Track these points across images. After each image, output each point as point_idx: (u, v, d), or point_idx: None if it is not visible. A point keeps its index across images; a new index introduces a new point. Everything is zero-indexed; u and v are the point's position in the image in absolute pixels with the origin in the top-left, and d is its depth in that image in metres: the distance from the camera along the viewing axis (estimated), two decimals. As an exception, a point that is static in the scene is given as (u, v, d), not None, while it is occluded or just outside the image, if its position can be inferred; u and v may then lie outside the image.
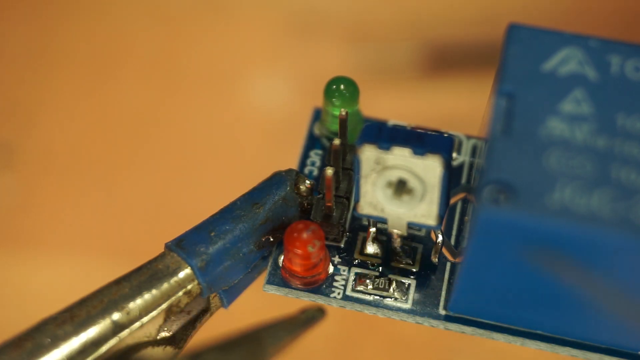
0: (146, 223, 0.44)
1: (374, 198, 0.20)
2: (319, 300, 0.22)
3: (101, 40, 0.49)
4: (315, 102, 0.25)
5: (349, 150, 0.23)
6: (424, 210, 0.20)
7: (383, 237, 0.23)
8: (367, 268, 0.22)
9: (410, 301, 0.22)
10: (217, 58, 0.49)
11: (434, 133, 0.20)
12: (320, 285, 0.22)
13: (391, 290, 0.22)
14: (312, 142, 0.24)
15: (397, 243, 0.22)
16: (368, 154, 0.20)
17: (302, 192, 0.22)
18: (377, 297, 0.22)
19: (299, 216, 0.23)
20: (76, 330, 0.20)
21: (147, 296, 0.21)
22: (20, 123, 0.47)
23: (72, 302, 0.20)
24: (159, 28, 0.49)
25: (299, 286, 0.22)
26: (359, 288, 0.22)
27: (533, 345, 0.21)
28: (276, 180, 0.22)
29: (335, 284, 0.22)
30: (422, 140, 0.20)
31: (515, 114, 0.19)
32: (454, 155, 0.24)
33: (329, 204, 0.22)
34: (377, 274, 0.22)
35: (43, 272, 0.43)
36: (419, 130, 0.21)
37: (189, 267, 0.21)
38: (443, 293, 0.22)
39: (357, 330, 0.42)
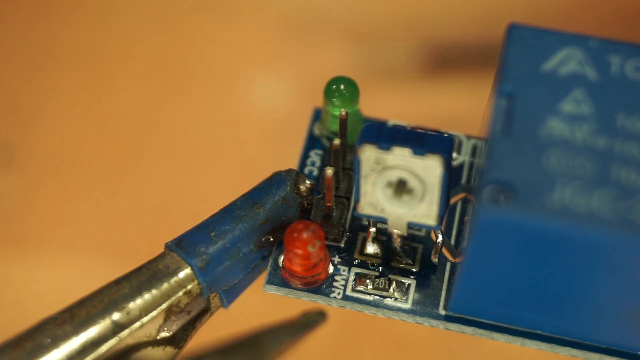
0: (146, 223, 0.44)
1: (374, 198, 0.20)
2: (319, 300, 0.22)
3: (101, 40, 0.49)
4: (315, 102, 0.25)
5: (349, 150, 0.23)
6: (424, 210, 0.20)
7: (383, 237, 0.23)
8: (367, 268, 0.22)
9: (410, 301, 0.22)
10: (217, 58, 0.49)
11: (434, 133, 0.20)
12: (320, 285, 0.22)
13: (391, 290, 0.22)
14: (312, 142, 0.24)
15: (397, 243, 0.22)
16: (368, 154, 0.20)
17: (302, 192, 0.22)
18: (377, 297, 0.22)
19: (299, 216, 0.23)
20: (76, 330, 0.20)
21: (147, 296, 0.21)
22: (20, 123, 0.47)
23: (72, 302, 0.20)
24: (159, 28, 0.49)
25: (299, 286, 0.22)
26: (359, 288, 0.22)
27: (533, 345, 0.21)
28: (276, 180, 0.22)
29: (335, 284, 0.22)
30: (422, 140, 0.20)
31: (515, 114, 0.19)
32: (454, 155, 0.24)
33: (329, 204, 0.22)
34: (377, 274, 0.22)
35: (43, 272, 0.43)
36: (419, 130, 0.21)
37: (189, 267, 0.21)
38: (443, 293, 0.22)
39: (357, 330, 0.42)
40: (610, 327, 0.21)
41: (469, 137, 0.24)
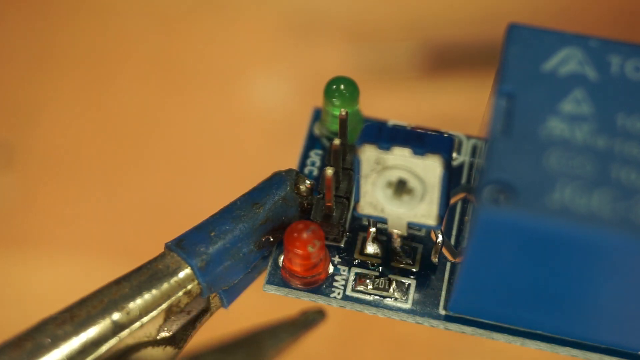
0: (146, 223, 0.44)
1: (374, 198, 0.20)
2: (319, 300, 0.22)
3: (101, 40, 0.49)
4: (315, 102, 0.25)
5: (349, 150, 0.23)
6: (424, 210, 0.20)
7: (383, 237, 0.23)
8: (367, 268, 0.22)
9: (410, 301, 0.22)
10: (217, 58, 0.49)
11: (434, 133, 0.20)
12: (320, 285, 0.22)
13: (391, 290, 0.22)
14: (312, 142, 0.24)
15: (397, 243, 0.22)
16: (368, 154, 0.20)
17: (302, 192, 0.22)
18: (377, 297, 0.22)
19: (299, 216, 0.23)
20: (76, 330, 0.20)
21: (147, 296, 0.21)
22: (20, 123, 0.47)
23: (72, 302, 0.20)
24: (159, 28, 0.49)
25: (299, 286, 0.22)
26: (359, 288, 0.22)
27: (533, 345, 0.21)
28: (276, 180, 0.22)
29: (335, 284, 0.22)
30: (422, 140, 0.20)
31: (515, 114, 0.19)
32: (454, 155, 0.24)
33: (329, 204, 0.22)
34: (377, 274, 0.22)
35: (43, 272, 0.43)
36: (419, 130, 0.21)
37: (189, 267, 0.21)
38: (443, 293, 0.22)
39: (357, 330, 0.42)
40: (610, 327, 0.21)
41: (469, 137, 0.24)
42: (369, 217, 0.21)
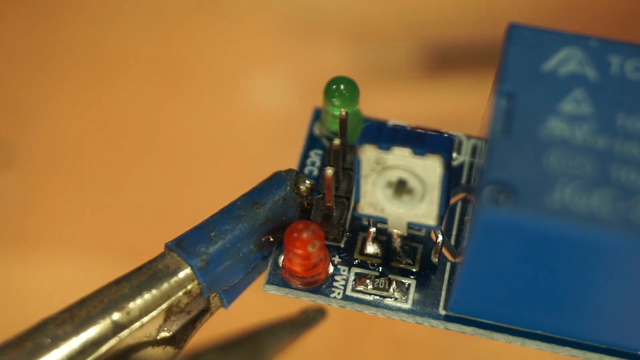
0: (146, 223, 0.44)
1: (374, 198, 0.20)
2: (319, 300, 0.22)
3: (101, 41, 0.49)
4: (315, 102, 0.25)
5: (349, 150, 0.23)
6: (424, 210, 0.20)
7: (383, 237, 0.23)
8: (367, 268, 0.22)
9: (410, 301, 0.22)
10: (217, 58, 0.49)
11: (434, 133, 0.20)
12: (320, 285, 0.22)
13: (391, 290, 0.22)
14: (312, 142, 0.24)
15: (397, 243, 0.22)
16: (368, 154, 0.20)
17: (302, 192, 0.22)
18: (377, 297, 0.22)
19: (299, 216, 0.23)
20: (76, 330, 0.20)
21: (147, 296, 0.21)
22: (20, 123, 0.47)
23: (72, 302, 0.20)
24: (159, 28, 0.49)
25: (299, 286, 0.22)
26: (359, 288, 0.22)
27: (533, 345, 0.21)
28: (276, 180, 0.22)
29: (335, 284, 0.22)
30: (422, 140, 0.20)
31: (515, 114, 0.19)
32: (454, 155, 0.24)
33: (329, 204, 0.22)
34: (377, 274, 0.22)
35: (43, 272, 0.43)
36: (419, 130, 0.21)
37: (189, 267, 0.21)
38: (443, 293, 0.22)
39: (357, 330, 0.42)
40: (610, 327, 0.21)
41: (469, 137, 0.24)
42: (369, 217, 0.21)
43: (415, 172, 0.20)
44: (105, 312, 0.20)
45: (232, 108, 0.48)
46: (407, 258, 0.22)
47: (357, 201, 0.21)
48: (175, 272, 0.21)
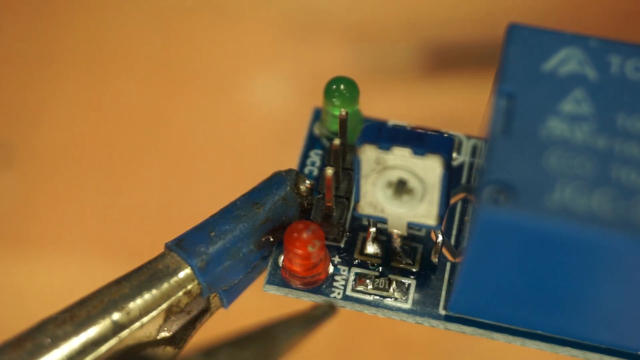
0: (146, 223, 0.44)
1: (374, 198, 0.20)
2: (319, 300, 0.22)
3: (101, 41, 0.49)
4: (315, 102, 0.25)
5: (349, 150, 0.23)
6: (424, 210, 0.20)
7: (383, 237, 0.23)
8: (367, 268, 0.22)
9: (410, 301, 0.22)
10: (217, 58, 0.49)
11: (434, 133, 0.20)
12: (320, 285, 0.22)
13: (391, 290, 0.22)
14: (312, 142, 0.24)
15: (397, 243, 0.22)
16: (368, 154, 0.20)
17: (302, 192, 0.22)
18: (377, 297, 0.22)
19: (299, 216, 0.23)
20: (76, 330, 0.20)
21: (147, 296, 0.21)
22: (20, 123, 0.47)
23: (72, 302, 0.20)
24: (159, 28, 0.49)
25: (299, 286, 0.22)
26: (359, 288, 0.22)
27: (533, 345, 0.21)
28: (276, 180, 0.22)
29: (335, 284, 0.22)
30: (422, 140, 0.20)
31: (515, 114, 0.19)
32: (454, 155, 0.24)
33: (329, 204, 0.22)
34: (377, 274, 0.22)
35: (43, 272, 0.43)
36: (419, 130, 0.21)
37: (189, 267, 0.21)
38: (443, 293, 0.22)
39: (357, 330, 0.42)
40: (610, 327, 0.21)
41: (469, 137, 0.24)
42: (369, 217, 0.21)
43: (415, 172, 0.20)
44: (105, 312, 0.20)
45: (232, 108, 0.48)
46: (407, 258, 0.22)
47: (357, 201, 0.21)
48: (175, 272, 0.21)
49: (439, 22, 0.49)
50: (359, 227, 0.23)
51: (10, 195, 0.45)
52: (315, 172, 0.24)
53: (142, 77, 0.48)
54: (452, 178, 0.21)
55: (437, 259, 0.22)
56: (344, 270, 0.22)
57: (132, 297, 0.21)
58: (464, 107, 0.44)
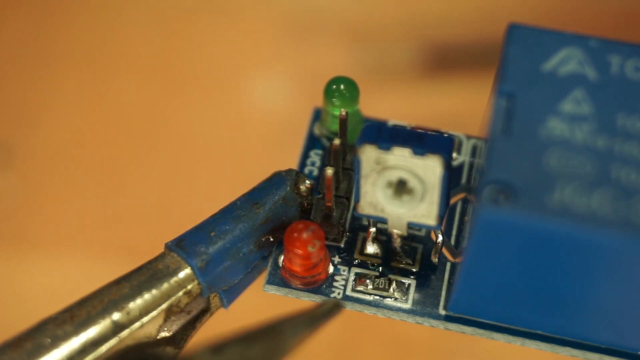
0: (146, 223, 0.44)
1: (374, 198, 0.20)
2: (319, 300, 0.22)
3: (101, 41, 0.49)
4: (315, 102, 0.25)
5: (349, 150, 0.23)
6: (424, 210, 0.20)
7: (383, 237, 0.23)
8: (367, 268, 0.22)
9: (410, 301, 0.22)
10: (217, 58, 0.49)
11: (434, 133, 0.20)
12: (320, 285, 0.22)
13: (391, 290, 0.22)
14: (312, 142, 0.24)
15: (397, 243, 0.22)
16: (368, 154, 0.20)
17: (302, 192, 0.22)
18: (377, 297, 0.22)
19: (299, 216, 0.23)
20: (76, 330, 0.20)
21: (147, 296, 0.21)
22: (20, 123, 0.47)
23: (72, 302, 0.20)
24: (159, 28, 0.49)
25: (299, 286, 0.22)
26: (359, 288, 0.22)
27: (533, 345, 0.21)
28: (276, 180, 0.22)
29: (335, 284, 0.22)
30: (422, 140, 0.20)
31: (515, 114, 0.19)
32: (454, 155, 0.24)
33: (329, 204, 0.22)
34: (377, 274, 0.22)
35: (43, 272, 0.43)
36: (419, 130, 0.21)
37: (189, 267, 0.21)
38: (443, 293, 0.22)
39: (357, 330, 0.42)
40: (610, 327, 0.21)
41: (469, 137, 0.24)
42: (369, 217, 0.21)
43: (415, 172, 0.20)
44: (105, 312, 0.20)
45: (232, 108, 0.48)
46: (407, 258, 0.22)
47: (357, 201, 0.21)
48: (175, 272, 0.21)
49: (439, 22, 0.49)
50: (359, 227, 0.23)
51: (11, 195, 0.45)
52: (315, 172, 0.24)
53: (142, 77, 0.48)
54: (452, 178, 0.21)
55: (437, 259, 0.22)
56: (344, 270, 0.22)
57: (132, 297, 0.21)
58: (464, 107, 0.44)
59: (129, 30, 0.49)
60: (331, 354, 0.42)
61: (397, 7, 0.49)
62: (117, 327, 0.20)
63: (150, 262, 0.21)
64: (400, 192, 0.20)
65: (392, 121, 0.25)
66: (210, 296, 0.22)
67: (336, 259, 0.22)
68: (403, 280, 0.22)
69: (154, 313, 0.21)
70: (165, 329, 0.21)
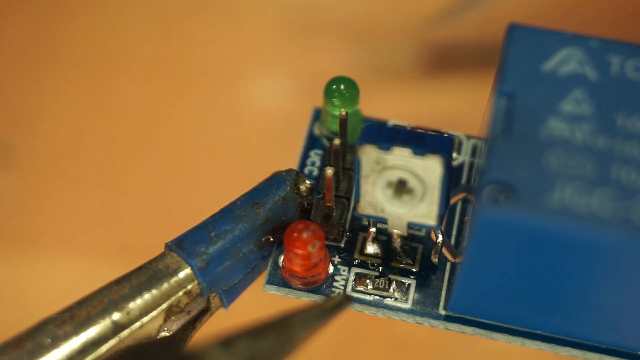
0: (146, 223, 0.44)
1: (374, 198, 0.20)
2: (319, 300, 0.22)
3: (102, 41, 0.49)
4: (315, 102, 0.25)
5: (349, 150, 0.23)
6: (424, 211, 0.20)
7: (383, 237, 0.23)
8: (367, 268, 0.22)
9: (410, 301, 0.22)
10: (217, 58, 0.49)
11: (434, 133, 0.20)
12: (320, 286, 0.22)
13: (391, 290, 0.22)
14: (312, 142, 0.24)
15: (397, 243, 0.22)
16: (368, 154, 0.20)
17: (302, 192, 0.22)
18: (377, 297, 0.22)
19: (299, 216, 0.23)
20: (76, 330, 0.20)
21: (147, 296, 0.21)
22: (20, 123, 0.47)
23: (72, 302, 0.20)
24: (159, 28, 0.49)
25: (299, 286, 0.22)
26: (359, 288, 0.22)
27: (533, 345, 0.21)
28: (276, 180, 0.22)
29: (335, 284, 0.22)
30: (422, 140, 0.20)
31: (515, 114, 0.19)
32: (454, 155, 0.24)
33: (329, 204, 0.22)
34: (377, 274, 0.22)
35: (43, 272, 0.43)
36: (419, 130, 0.21)
37: (189, 267, 0.21)
38: (443, 293, 0.22)
39: (357, 330, 0.42)
40: (611, 327, 0.21)
41: (469, 137, 0.24)
42: (369, 217, 0.21)
43: (415, 172, 0.20)
44: (105, 312, 0.20)
45: (232, 108, 0.48)
46: (407, 258, 0.22)
47: (357, 201, 0.21)
48: (175, 272, 0.21)
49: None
50: (359, 227, 0.23)
51: (11, 195, 0.45)
52: (315, 172, 0.24)
53: (142, 77, 0.48)
54: (452, 178, 0.21)
55: (437, 259, 0.22)
56: (344, 270, 0.22)
57: (132, 297, 0.21)
58: (464, 107, 0.44)
59: (129, 30, 0.49)
60: (331, 353, 0.42)
61: (397, 7, 0.49)
62: (117, 327, 0.20)
63: (150, 262, 0.21)
64: (400, 192, 0.20)
65: (392, 121, 0.25)
66: (210, 296, 0.22)
67: (336, 259, 0.22)
68: (403, 280, 0.22)
69: (154, 313, 0.21)
70: (165, 329, 0.21)
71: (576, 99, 0.19)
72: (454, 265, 0.22)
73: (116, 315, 0.20)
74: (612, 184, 0.18)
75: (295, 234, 0.21)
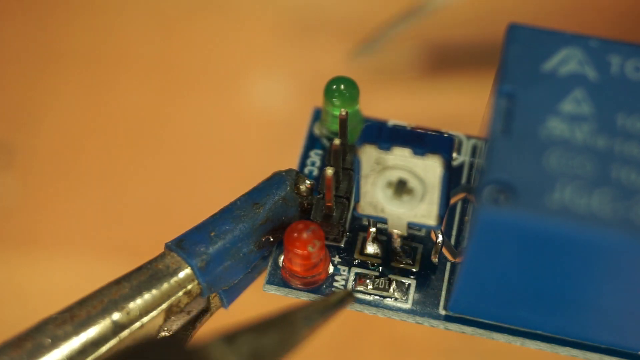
0: (146, 223, 0.44)
1: (374, 198, 0.20)
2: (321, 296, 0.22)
3: (102, 41, 0.49)
4: (315, 102, 0.25)
5: (349, 150, 0.23)
6: (424, 211, 0.20)
7: (383, 237, 0.23)
8: (367, 268, 0.22)
9: (410, 301, 0.22)
10: (217, 58, 0.49)
11: (434, 133, 0.20)
12: (320, 286, 0.22)
13: (391, 290, 0.22)
14: (312, 142, 0.24)
15: (397, 243, 0.22)
16: (368, 154, 0.20)
17: (302, 192, 0.22)
18: (377, 297, 0.22)
19: (299, 216, 0.23)
20: (76, 330, 0.20)
21: (147, 296, 0.21)
22: (20, 123, 0.47)
23: (72, 302, 0.20)
24: (159, 28, 0.49)
25: (299, 286, 0.22)
26: (359, 288, 0.22)
27: (533, 345, 0.21)
28: (276, 180, 0.22)
29: (335, 284, 0.22)
30: (422, 141, 0.20)
31: (515, 114, 0.19)
32: (454, 155, 0.24)
33: (329, 204, 0.22)
34: (377, 274, 0.22)
35: (43, 272, 0.43)
36: (419, 130, 0.21)
37: (189, 267, 0.21)
38: (443, 293, 0.22)
39: (357, 330, 0.42)
40: (611, 327, 0.21)
41: (469, 137, 0.24)
42: (369, 217, 0.21)
43: (415, 172, 0.20)
44: (105, 312, 0.20)
45: (232, 108, 0.48)
46: (407, 258, 0.22)
47: (357, 201, 0.21)
48: (175, 272, 0.21)
49: (439, 22, 0.49)
50: (359, 227, 0.23)
51: (11, 195, 0.45)
52: (315, 172, 0.24)
53: (142, 77, 0.48)
54: (452, 178, 0.21)
55: (437, 259, 0.22)
56: (344, 270, 0.22)
57: (132, 297, 0.21)
58: (464, 107, 0.44)
59: (129, 30, 0.49)
60: (331, 353, 0.42)
61: (397, 7, 0.49)
62: (117, 327, 0.20)
63: (150, 262, 0.21)
64: (400, 192, 0.20)
65: (392, 121, 0.25)
66: (210, 296, 0.22)
67: (336, 259, 0.22)
68: (403, 280, 0.22)
69: (154, 313, 0.21)
70: (165, 329, 0.21)
71: (576, 99, 0.19)
72: (454, 265, 0.22)
73: (116, 315, 0.20)
74: (612, 184, 0.18)
75: (295, 234, 0.21)
